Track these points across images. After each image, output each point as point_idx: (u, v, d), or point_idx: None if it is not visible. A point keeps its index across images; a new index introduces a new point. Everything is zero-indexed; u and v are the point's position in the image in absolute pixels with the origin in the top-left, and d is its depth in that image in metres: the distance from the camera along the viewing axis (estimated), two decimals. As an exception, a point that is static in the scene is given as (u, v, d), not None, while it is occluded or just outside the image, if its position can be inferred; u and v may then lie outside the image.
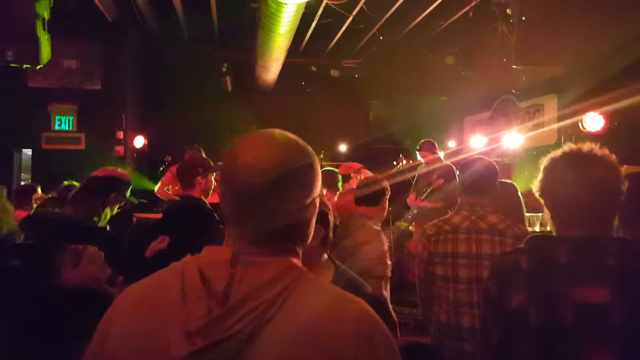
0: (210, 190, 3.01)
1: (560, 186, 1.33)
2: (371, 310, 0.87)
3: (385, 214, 2.82)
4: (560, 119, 6.14)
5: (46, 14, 4.71)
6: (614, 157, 1.34)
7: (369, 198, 2.75)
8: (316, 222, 0.98)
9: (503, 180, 2.83)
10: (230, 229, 0.92)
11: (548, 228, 1.29)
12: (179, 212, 2.89)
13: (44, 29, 4.66)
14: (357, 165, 5.48)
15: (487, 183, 2.40)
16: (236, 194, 0.88)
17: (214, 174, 3.01)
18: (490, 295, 1.35)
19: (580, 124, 5.54)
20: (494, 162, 2.52)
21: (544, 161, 1.40)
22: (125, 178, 2.63)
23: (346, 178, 6.03)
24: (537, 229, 5.57)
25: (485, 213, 2.33)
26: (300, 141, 0.94)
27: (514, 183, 3.40)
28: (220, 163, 3.04)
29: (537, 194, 1.41)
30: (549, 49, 5.36)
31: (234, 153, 0.90)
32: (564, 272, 1.25)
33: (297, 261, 0.90)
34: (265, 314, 0.81)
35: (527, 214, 5.55)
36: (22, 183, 7.04)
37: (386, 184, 2.80)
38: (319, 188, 0.95)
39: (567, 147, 1.38)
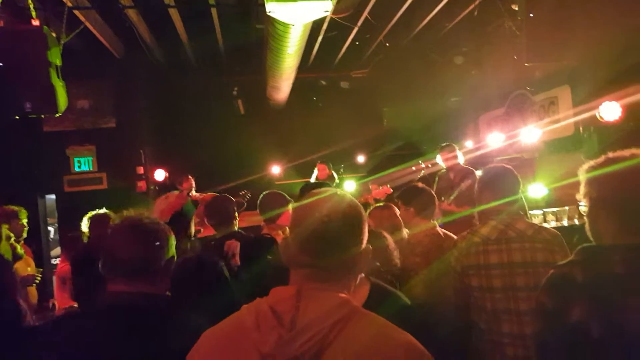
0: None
1: (620, 189, 1.31)
2: (417, 342, 1.01)
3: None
4: (575, 110, 6.07)
5: (58, 61, 4.74)
6: None
7: None
8: None
9: None
10: (296, 272, 1.10)
11: (576, 222, 1.27)
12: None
13: (58, 77, 4.71)
14: (389, 190, 5.55)
15: (507, 188, 2.45)
16: (312, 242, 1.07)
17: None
18: (546, 310, 1.33)
19: (597, 114, 5.48)
20: (512, 168, 2.55)
21: (586, 167, 1.38)
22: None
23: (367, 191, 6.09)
24: (565, 222, 5.53)
25: (512, 220, 2.37)
26: (349, 194, 1.17)
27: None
28: (244, 191, 3.22)
29: (583, 197, 1.38)
30: (560, 44, 5.29)
31: (307, 209, 1.10)
32: (623, 282, 1.23)
33: (348, 296, 1.07)
34: (325, 339, 0.97)
35: (555, 209, 5.54)
36: (50, 228, 7.14)
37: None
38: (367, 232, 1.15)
39: (611, 153, 1.36)
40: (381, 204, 3.42)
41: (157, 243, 1.55)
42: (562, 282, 1.32)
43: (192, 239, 3.08)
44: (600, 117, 5.47)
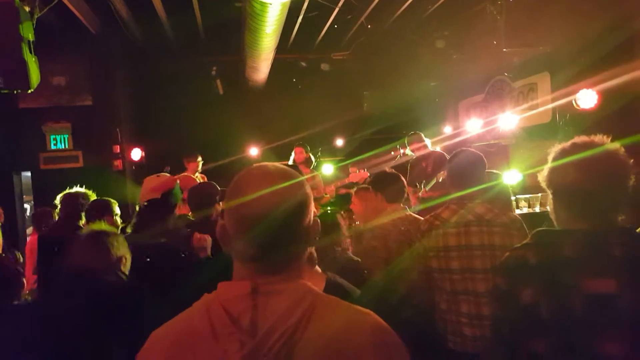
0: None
1: (567, 177, 1.34)
2: (382, 321, 0.97)
3: None
4: (554, 96, 6.12)
5: (31, 36, 4.66)
6: (622, 149, 1.35)
7: None
8: None
9: (489, 170, 2.92)
10: (243, 264, 0.98)
11: (548, 208, 1.31)
12: None
13: (31, 52, 4.62)
14: (366, 174, 5.59)
15: (473, 175, 2.50)
16: (257, 233, 0.94)
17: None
18: (500, 291, 1.37)
19: (573, 101, 5.54)
20: (480, 153, 2.58)
21: (552, 152, 1.41)
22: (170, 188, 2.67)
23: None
24: (537, 209, 5.63)
25: (473, 205, 2.44)
26: (291, 170, 1.04)
27: (499, 172, 3.50)
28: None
29: (543, 184, 1.43)
30: (538, 30, 5.34)
31: (244, 193, 0.96)
32: (571, 265, 1.27)
33: (306, 282, 0.98)
34: (292, 337, 0.89)
35: (527, 195, 5.63)
36: (26, 205, 7.06)
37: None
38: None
39: (577, 138, 1.40)
40: (366, 185, 3.42)
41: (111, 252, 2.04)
42: (515, 264, 1.36)
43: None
44: (577, 104, 5.53)
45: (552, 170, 1.38)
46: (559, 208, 1.39)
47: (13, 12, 4.41)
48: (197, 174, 5.81)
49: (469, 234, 2.39)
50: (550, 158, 1.40)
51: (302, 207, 0.99)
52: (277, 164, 1.05)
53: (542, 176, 1.42)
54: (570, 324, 1.24)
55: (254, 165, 1.04)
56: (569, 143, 1.39)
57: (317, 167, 6.32)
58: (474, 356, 2.26)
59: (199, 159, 5.89)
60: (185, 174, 5.06)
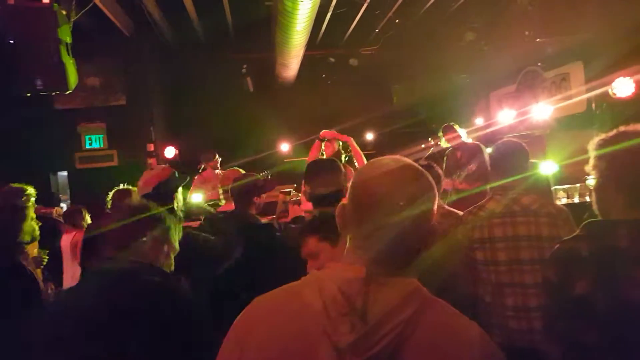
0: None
1: (625, 167, 1.30)
2: (484, 332, 0.96)
3: None
4: (588, 86, 5.98)
5: (68, 39, 4.76)
6: None
7: None
8: None
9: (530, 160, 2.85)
10: (357, 250, 0.97)
11: (587, 198, 1.27)
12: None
13: (68, 54, 4.73)
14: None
15: (516, 164, 2.44)
16: (383, 225, 0.94)
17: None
18: (551, 284, 1.35)
19: (609, 90, 5.40)
20: (523, 143, 2.52)
21: (598, 140, 1.37)
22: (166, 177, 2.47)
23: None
24: (576, 200, 5.50)
25: (518, 195, 2.38)
26: (423, 170, 1.01)
27: (536, 161, 3.40)
28: (265, 173, 3.14)
29: (592, 172, 1.38)
30: (574, 17, 5.22)
31: (372, 183, 0.96)
32: (626, 256, 1.24)
33: (416, 280, 0.97)
34: (403, 333, 0.88)
35: (565, 186, 5.50)
36: (63, 205, 7.26)
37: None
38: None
39: (624, 127, 1.35)
40: None
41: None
42: (566, 256, 1.34)
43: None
44: (613, 93, 5.40)
45: (609, 156, 1.33)
46: (616, 197, 1.33)
47: (52, 16, 4.50)
48: (217, 170, 5.88)
49: (515, 225, 2.34)
50: (595, 146, 1.36)
51: (430, 207, 0.97)
52: (404, 158, 1.02)
53: (594, 161, 1.37)
54: (625, 315, 1.21)
55: (387, 157, 1.03)
56: (615, 131, 1.35)
57: (347, 161, 6.31)
58: (520, 350, 2.20)
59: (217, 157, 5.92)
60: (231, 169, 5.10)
